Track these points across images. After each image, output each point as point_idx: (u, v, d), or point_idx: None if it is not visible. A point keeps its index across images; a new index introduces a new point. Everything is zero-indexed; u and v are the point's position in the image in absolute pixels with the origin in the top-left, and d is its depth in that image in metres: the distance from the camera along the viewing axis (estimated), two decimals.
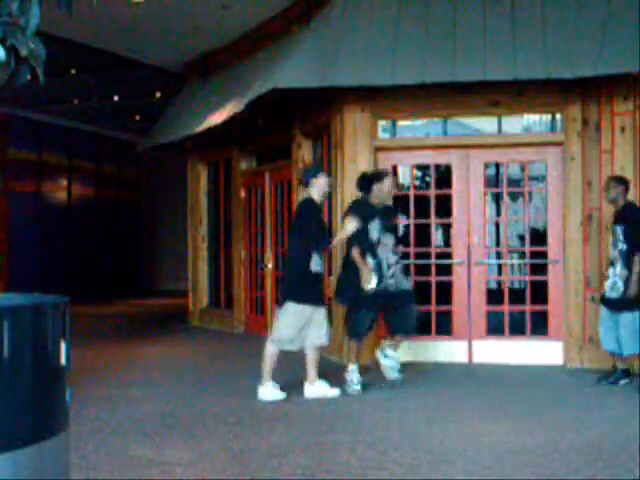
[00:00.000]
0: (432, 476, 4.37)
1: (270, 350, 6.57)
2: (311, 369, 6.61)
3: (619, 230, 6.90)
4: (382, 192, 6.94)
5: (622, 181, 7.06)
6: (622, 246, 6.86)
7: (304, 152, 9.53)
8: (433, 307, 8.39)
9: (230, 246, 11.70)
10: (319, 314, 6.58)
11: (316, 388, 6.59)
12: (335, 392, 6.61)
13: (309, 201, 6.67)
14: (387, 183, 6.97)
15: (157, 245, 20.92)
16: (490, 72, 7.59)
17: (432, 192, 8.69)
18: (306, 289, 6.52)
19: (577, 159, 7.91)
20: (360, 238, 6.71)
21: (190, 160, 12.76)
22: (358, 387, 6.68)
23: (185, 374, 7.87)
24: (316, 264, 6.54)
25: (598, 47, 7.41)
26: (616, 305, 6.93)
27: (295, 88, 7.92)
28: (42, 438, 2.30)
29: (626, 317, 6.84)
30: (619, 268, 6.87)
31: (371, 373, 7.32)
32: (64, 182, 17.15)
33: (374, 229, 6.80)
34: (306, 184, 6.72)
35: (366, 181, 7.03)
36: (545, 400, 6.46)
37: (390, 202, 7.31)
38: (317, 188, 6.65)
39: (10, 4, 2.55)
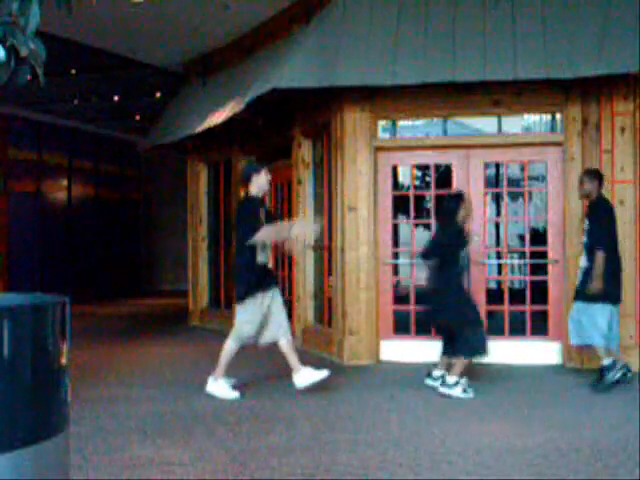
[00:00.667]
0: (432, 476, 4.37)
1: (231, 347, 6.68)
2: (291, 360, 6.62)
3: (586, 224, 7.03)
4: (464, 215, 6.87)
5: (596, 175, 7.08)
6: (585, 239, 7.00)
7: (304, 152, 9.53)
8: None
9: (230, 246, 11.69)
10: (275, 303, 6.65)
11: (304, 375, 6.58)
12: (324, 374, 6.58)
13: (247, 201, 6.74)
14: (467, 204, 6.93)
15: (157, 245, 20.92)
16: (490, 72, 7.59)
17: (432, 192, 8.69)
18: (254, 280, 6.56)
19: (577, 159, 7.91)
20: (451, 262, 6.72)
21: (190, 160, 12.75)
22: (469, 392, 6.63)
23: (185, 374, 7.86)
24: (261, 256, 6.60)
25: (598, 47, 7.41)
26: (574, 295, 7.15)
27: (295, 88, 7.92)
28: (42, 438, 2.30)
29: (577, 305, 6.99)
30: (583, 260, 7.01)
31: (372, 372, 7.32)
32: (64, 182, 17.13)
33: (464, 257, 6.79)
34: (247, 179, 6.72)
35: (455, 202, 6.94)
36: (545, 400, 6.46)
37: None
38: (257, 184, 6.67)
39: (10, 4, 2.56)
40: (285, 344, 6.64)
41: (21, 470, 2.24)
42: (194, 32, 10.56)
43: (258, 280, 6.60)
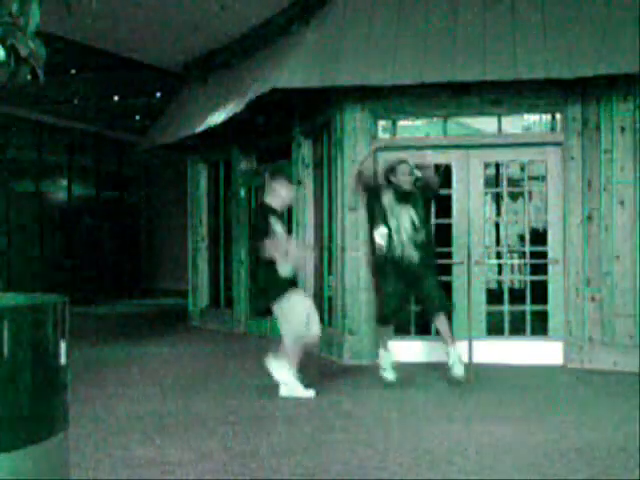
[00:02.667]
0: (432, 476, 4.36)
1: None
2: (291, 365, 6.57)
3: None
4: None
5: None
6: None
7: (304, 152, 9.53)
8: None
9: (230, 246, 11.70)
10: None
11: (290, 387, 6.50)
12: (310, 394, 6.47)
13: (262, 206, 6.68)
14: None
15: (157, 245, 20.92)
16: (490, 72, 7.59)
17: None
18: (285, 282, 6.48)
19: (577, 159, 7.91)
20: None
21: (190, 160, 12.75)
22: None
23: (185, 374, 7.86)
24: (283, 270, 6.47)
25: (598, 47, 7.41)
26: None
27: (295, 88, 7.92)
28: (42, 438, 2.30)
29: None
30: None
31: (372, 372, 7.32)
32: (64, 182, 17.15)
33: None
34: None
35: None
36: (545, 400, 6.46)
37: None
38: (279, 194, 6.61)
39: (10, 4, 2.56)
40: (301, 348, 6.58)
41: (21, 470, 2.24)
42: (194, 32, 10.56)
43: (289, 281, 6.52)
